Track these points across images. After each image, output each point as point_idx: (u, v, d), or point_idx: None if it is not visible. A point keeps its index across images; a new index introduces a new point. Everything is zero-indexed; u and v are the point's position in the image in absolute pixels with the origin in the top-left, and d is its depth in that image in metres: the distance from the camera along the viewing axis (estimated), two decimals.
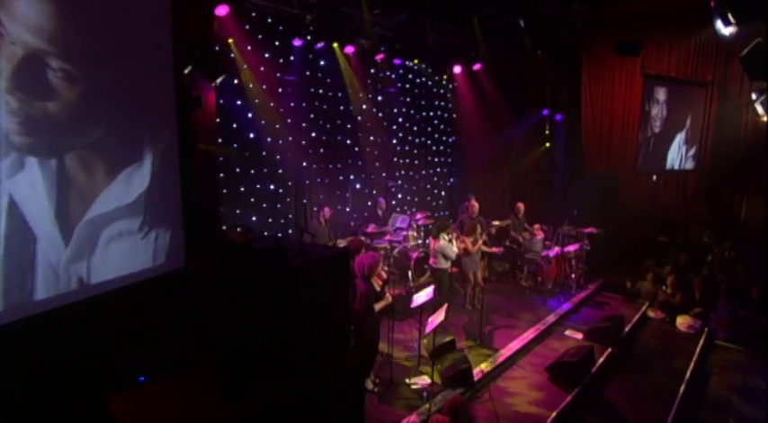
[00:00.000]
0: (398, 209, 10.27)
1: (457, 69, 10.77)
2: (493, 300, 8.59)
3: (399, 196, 10.59)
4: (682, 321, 8.32)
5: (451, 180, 11.83)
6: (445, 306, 5.99)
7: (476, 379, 5.99)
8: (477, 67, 10.56)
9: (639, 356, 7.21)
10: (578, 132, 10.94)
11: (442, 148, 11.53)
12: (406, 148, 10.67)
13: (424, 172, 11.16)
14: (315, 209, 8.21)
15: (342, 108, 9.13)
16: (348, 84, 8.92)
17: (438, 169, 11.54)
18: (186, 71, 4.92)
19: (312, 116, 8.61)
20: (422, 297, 5.93)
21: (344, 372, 4.41)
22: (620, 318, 7.60)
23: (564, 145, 11.07)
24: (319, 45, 8.04)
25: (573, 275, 9.16)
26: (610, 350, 7.07)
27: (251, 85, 7.38)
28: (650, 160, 10.75)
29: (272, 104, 7.73)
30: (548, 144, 11.19)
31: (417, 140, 10.88)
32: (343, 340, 4.61)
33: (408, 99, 10.44)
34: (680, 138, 11.04)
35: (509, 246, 9.51)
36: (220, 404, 3.70)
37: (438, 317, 5.54)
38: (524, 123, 11.04)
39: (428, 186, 11.26)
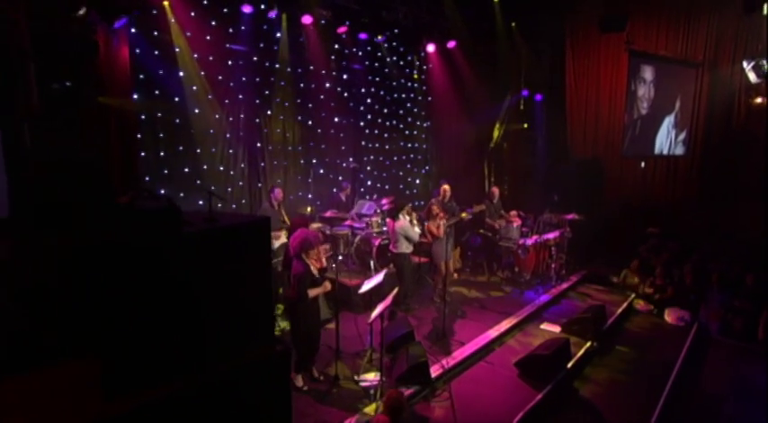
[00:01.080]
0: (368, 197, 9.66)
1: (430, 48, 10.19)
2: (464, 291, 8.00)
3: (369, 183, 9.99)
4: (670, 313, 7.74)
5: (427, 167, 11.23)
6: (394, 291, 5.39)
7: (434, 375, 5.37)
8: (451, 44, 9.98)
9: (623, 351, 6.61)
10: (561, 114, 10.37)
11: (416, 132, 10.95)
12: (376, 131, 10.08)
13: (396, 158, 10.57)
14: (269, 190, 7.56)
15: (302, 85, 8.52)
16: (308, 58, 8.33)
17: (412, 155, 10.95)
18: (81, 12, 4.30)
19: (267, 92, 8.00)
20: (371, 282, 5.32)
21: (263, 364, 3.76)
22: (602, 309, 7.01)
23: (545, 127, 10.48)
24: (272, 13, 7.42)
25: (553, 265, 8.57)
26: (589, 344, 6.46)
27: (195, 56, 6.75)
28: (637, 144, 10.21)
29: (220, 77, 7.12)
30: (525, 125, 10.60)
31: (388, 123, 10.29)
32: (263, 327, 3.96)
33: (377, 78, 9.86)
34: (669, 121, 10.50)
35: (483, 233, 8.91)
36: (99, 400, 3.04)
37: (385, 303, 4.92)
38: (501, 106, 10.45)
39: (401, 173, 10.67)
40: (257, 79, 7.81)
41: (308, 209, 7.72)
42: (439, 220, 7.18)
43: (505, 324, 6.74)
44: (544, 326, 7.00)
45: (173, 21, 6.52)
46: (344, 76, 9.19)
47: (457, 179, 9.89)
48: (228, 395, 3.54)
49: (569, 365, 5.87)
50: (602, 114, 10.32)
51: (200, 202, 6.99)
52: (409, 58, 10.37)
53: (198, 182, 7.14)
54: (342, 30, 8.45)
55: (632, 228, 9.67)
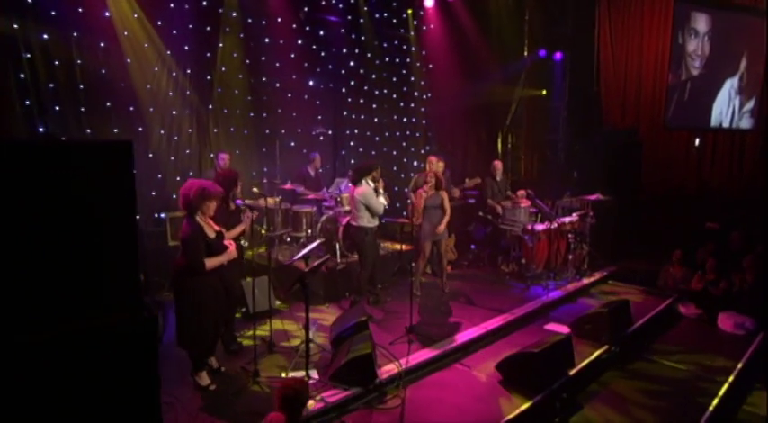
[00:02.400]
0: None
1: (428, 2, 9.52)
2: (456, 285, 7.19)
3: (353, 162, 9.30)
4: (725, 318, 6.66)
5: (427, 147, 10.46)
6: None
7: (386, 376, 4.60)
8: None
9: (654, 363, 5.61)
10: (588, 76, 9.43)
11: (413, 105, 10.22)
12: (361, 100, 9.43)
13: (387, 134, 9.88)
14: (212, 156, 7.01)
15: (266, 40, 7.98)
16: (272, 6, 7.82)
17: (408, 132, 10.23)
18: None
19: (222, 46, 7.48)
20: (302, 252, 4.66)
21: (113, 333, 3.09)
22: (624, 305, 6.04)
23: (567, 94, 9.57)
24: None
25: (570, 257, 7.63)
26: (606, 348, 5.50)
27: None
28: (686, 112, 9.15)
29: (159, 23, 6.68)
30: (543, 92, 9.71)
31: (377, 92, 9.62)
32: (118, 285, 3.30)
33: (363, 37, 9.22)
34: (731, 85, 9.44)
35: (483, 217, 8.05)
36: None
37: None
38: (517, 69, 9.62)
39: (394, 152, 9.97)
40: (208, 29, 7.29)
41: (254, 189, 7.14)
42: (423, 192, 6.48)
43: (495, 322, 5.87)
44: (549, 326, 6.08)
45: None
46: (321, 33, 8.61)
47: (464, 160, 9.11)
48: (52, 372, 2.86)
49: (572, 372, 4.94)
50: (644, 75, 9.28)
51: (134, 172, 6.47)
52: (404, 15, 9.72)
53: (135, 147, 6.61)
54: None
55: (678, 217, 8.57)
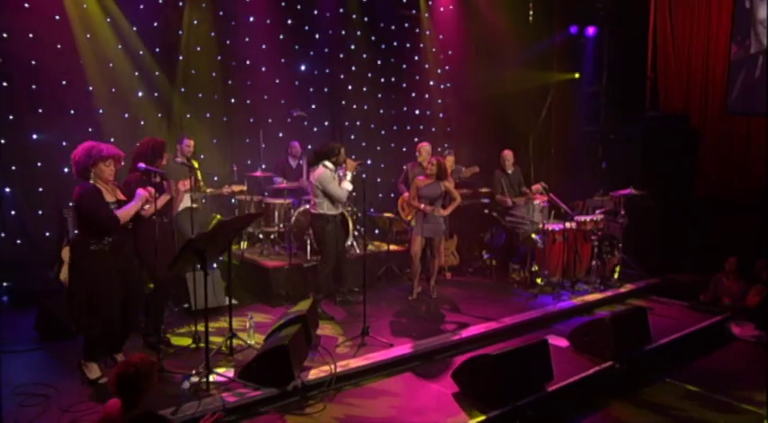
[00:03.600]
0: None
1: None
2: (449, 292, 6.74)
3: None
4: None
5: (446, 145, 10.05)
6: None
7: (313, 378, 4.25)
8: None
9: (678, 389, 4.87)
10: (632, 54, 8.73)
11: (427, 96, 9.91)
12: (364, 88, 9.23)
13: (395, 126, 9.62)
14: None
15: (251, 19, 8.01)
16: None
17: (422, 126, 9.90)
18: None
19: (196, 23, 7.56)
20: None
21: None
22: (637, 315, 5.34)
23: (605, 76, 8.92)
24: None
25: (594, 263, 6.95)
26: (609, 364, 4.85)
27: None
28: (756, 95, 8.20)
29: None
30: (576, 75, 9.10)
31: (383, 80, 9.41)
32: None
33: (366, 17, 9.08)
34: None
35: (489, 213, 7.52)
36: None
37: None
38: (539, 49, 9.12)
39: (404, 149, 9.63)
40: (180, 3, 7.38)
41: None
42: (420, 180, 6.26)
43: (473, 331, 5.34)
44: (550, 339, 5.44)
45: None
46: (315, 12, 8.55)
47: (490, 159, 8.60)
48: None
49: (552, 387, 4.34)
50: (712, 50, 8.39)
51: None
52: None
53: (90, 129, 6.73)
54: None
55: (740, 221, 7.60)
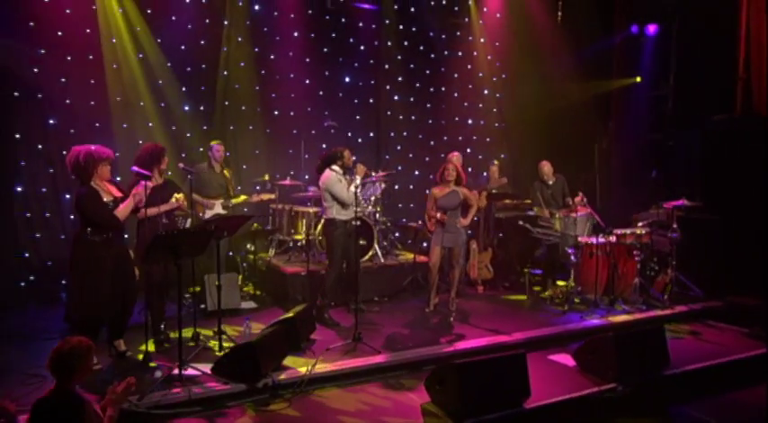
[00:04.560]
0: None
1: None
2: (473, 306, 6.67)
3: (400, 168, 9.22)
4: None
5: (503, 155, 9.91)
6: None
7: (286, 378, 4.44)
8: None
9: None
10: (704, 52, 8.11)
11: (481, 105, 9.84)
12: (411, 99, 9.38)
13: (446, 137, 9.60)
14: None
15: (295, 34, 8.47)
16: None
17: (475, 137, 9.84)
18: None
19: (241, 39, 8.12)
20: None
21: None
22: (651, 334, 4.95)
23: (673, 77, 8.35)
24: None
25: (637, 281, 6.51)
26: (612, 386, 4.55)
27: None
28: None
29: (149, 10, 7.47)
30: (638, 79, 8.58)
31: (432, 89, 9.49)
32: None
33: (414, 28, 9.25)
34: None
35: (523, 225, 7.30)
36: None
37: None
38: (595, 51, 8.75)
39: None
40: (226, 23, 7.96)
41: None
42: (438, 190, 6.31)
43: (475, 343, 5.23)
44: (555, 357, 5.22)
45: None
46: (360, 24, 8.87)
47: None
48: None
49: (530, 405, 4.16)
50: None
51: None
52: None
53: (140, 141, 7.45)
54: None
55: None
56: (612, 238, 6.60)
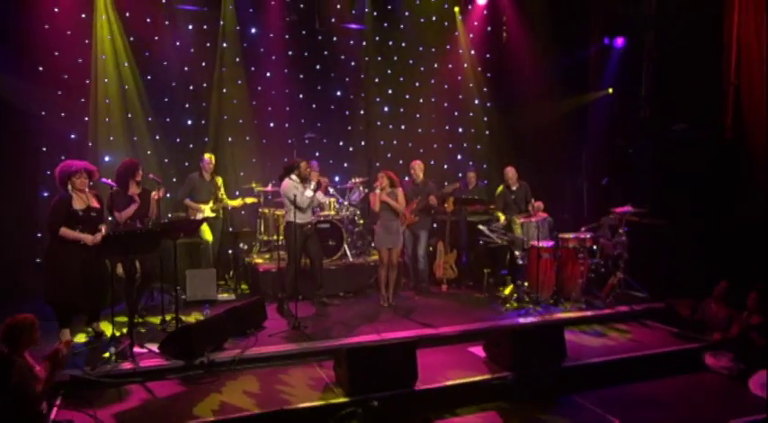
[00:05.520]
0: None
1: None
2: (421, 301, 7.23)
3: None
4: (761, 378, 5.21)
5: (485, 166, 10.28)
6: None
7: (222, 357, 5.16)
8: None
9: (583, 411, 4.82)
10: (675, 63, 8.23)
11: (472, 114, 10.30)
12: (401, 109, 9.99)
13: (436, 145, 10.10)
14: None
15: (290, 53, 9.24)
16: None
17: (465, 144, 10.32)
18: None
19: (238, 59, 8.95)
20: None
21: None
22: (554, 328, 5.35)
23: (645, 88, 8.50)
24: None
25: (580, 281, 6.83)
26: (505, 374, 5.01)
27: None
28: None
29: (156, 38, 8.39)
30: (610, 90, 8.76)
31: (422, 101, 10.04)
32: None
33: (404, 43, 9.83)
34: None
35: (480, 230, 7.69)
36: None
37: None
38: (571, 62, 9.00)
39: (446, 166, 10.13)
40: (225, 45, 8.83)
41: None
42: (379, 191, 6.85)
43: (400, 334, 5.76)
44: (474, 349, 5.67)
45: None
46: (350, 42, 9.52)
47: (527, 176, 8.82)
48: None
49: (419, 387, 4.68)
50: None
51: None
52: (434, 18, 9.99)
53: (149, 152, 8.45)
54: None
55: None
56: (558, 243, 6.94)
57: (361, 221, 8.43)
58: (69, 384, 4.60)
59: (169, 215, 7.74)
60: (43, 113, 7.91)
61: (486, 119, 10.37)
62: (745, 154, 7.53)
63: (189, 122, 8.83)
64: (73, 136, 8.18)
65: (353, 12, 9.45)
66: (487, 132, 10.38)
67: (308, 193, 6.52)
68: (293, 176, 6.62)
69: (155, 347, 5.23)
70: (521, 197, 7.85)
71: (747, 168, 7.48)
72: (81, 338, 5.60)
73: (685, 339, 6.10)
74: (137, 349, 5.16)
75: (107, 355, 5.03)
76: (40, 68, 7.84)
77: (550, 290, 7.05)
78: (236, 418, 4.27)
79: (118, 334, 5.42)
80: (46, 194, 8.06)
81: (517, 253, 7.09)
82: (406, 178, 8.11)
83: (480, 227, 7.60)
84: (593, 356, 5.53)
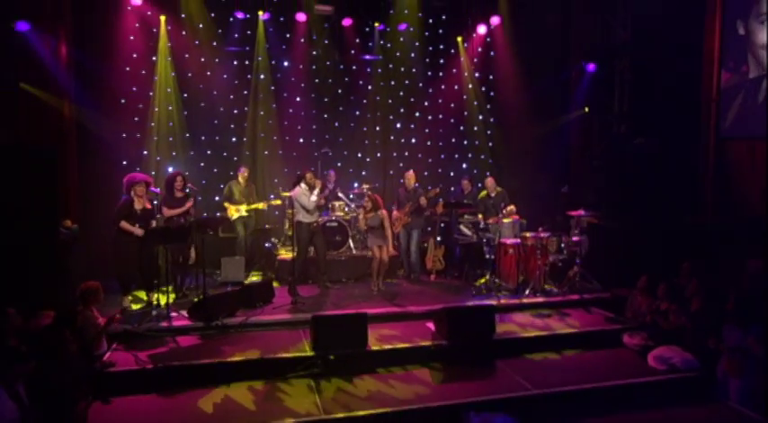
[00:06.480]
0: None
1: (482, 28, 10.79)
2: (413, 288, 8.48)
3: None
4: (658, 351, 6.11)
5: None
6: None
7: (231, 321, 6.62)
8: (495, 21, 10.35)
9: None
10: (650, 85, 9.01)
11: (476, 128, 11.36)
12: (412, 126, 11.21)
13: (443, 155, 11.25)
14: None
15: (316, 80, 10.70)
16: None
17: (470, 155, 11.40)
18: None
19: (273, 88, 10.52)
20: None
21: None
22: (484, 310, 6.46)
23: (619, 108, 9.30)
24: (265, 16, 10.07)
25: (537, 272, 7.84)
26: (443, 343, 6.19)
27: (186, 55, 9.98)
28: (757, 118, 7.87)
29: (208, 73, 10.09)
30: (586, 109, 9.58)
31: (431, 118, 11.25)
32: None
33: (414, 69, 11.05)
34: None
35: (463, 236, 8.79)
36: None
37: None
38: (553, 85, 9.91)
39: (452, 173, 11.23)
40: (261, 76, 10.43)
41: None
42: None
43: (374, 310, 7.01)
44: (428, 324, 6.86)
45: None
46: (367, 70, 10.87)
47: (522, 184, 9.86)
48: None
49: (369, 349, 5.96)
50: None
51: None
52: (466, 44, 11.10)
53: (202, 164, 10.18)
54: (347, 22, 10.32)
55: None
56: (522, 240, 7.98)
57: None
58: (123, 335, 6.25)
59: (204, 214, 9.39)
60: (124, 135, 9.78)
61: (489, 132, 11.41)
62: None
63: (233, 140, 10.49)
64: (145, 152, 10.02)
65: (369, 44, 10.81)
66: (490, 144, 11.42)
67: (314, 197, 7.93)
68: (302, 185, 8.05)
69: (184, 313, 6.81)
70: (498, 202, 8.89)
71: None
72: (135, 304, 7.28)
73: (614, 323, 7.00)
74: (172, 313, 6.76)
75: (151, 315, 6.69)
76: (123, 101, 9.72)
77: (515, 280, 8.07)
78: (232, 362, 5.76)
79: (163, 302, 7.08)
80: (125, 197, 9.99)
81: (485, 249, 8.15)
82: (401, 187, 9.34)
83: (461, 226, 8.75)
84: (527, 334, 6.60)
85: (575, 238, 7.94)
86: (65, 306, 5.62)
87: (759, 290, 5.79)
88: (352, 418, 4.99)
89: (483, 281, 8.53)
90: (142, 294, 7.45)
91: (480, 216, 8.87)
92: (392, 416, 5.06)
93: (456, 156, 11.48)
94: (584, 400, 5.56)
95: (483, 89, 11.33)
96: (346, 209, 9.51)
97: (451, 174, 11.37)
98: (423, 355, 6.17)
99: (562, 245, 8.17)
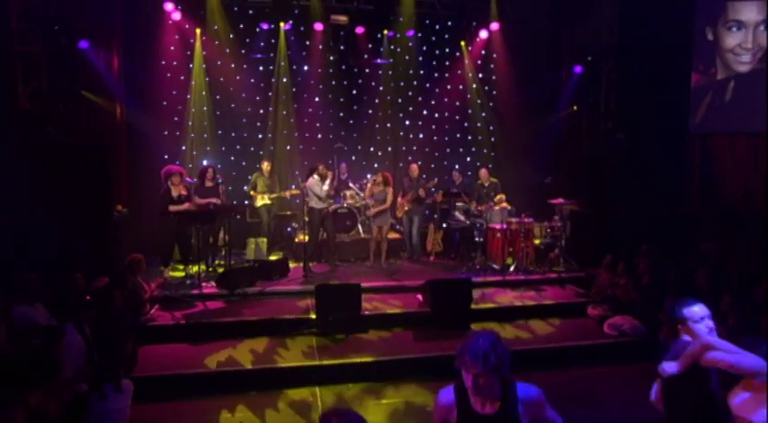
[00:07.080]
0: None
1: (483, 33, 11.56)
2: (413, 267, 9.44)
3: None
4: (614, 321, 6.94)
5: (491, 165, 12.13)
6: None
7: (249, 290, 7.76)
8: (494, 27, 11.13)
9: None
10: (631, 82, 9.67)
11: (479, 124, 12.18)
12: (419, 123, 12.11)
13: (449, 149, 12.13)
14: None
15: (333, 82, 11.71)
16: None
17: (474, 149, 12.24)
18: None
19: (295, 90, 11.60)
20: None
21: None
22: (466, 283, 7.32)
23: (606, 107, 10.00)
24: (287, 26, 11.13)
25: (521, 254, 8.69)
26: (427, 310, 7.13)
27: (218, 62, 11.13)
28: (723, 116, 8.50)
29: (238, 78, 11.22)
30: (575, 107, 10.29)
31: (438, 116, 12.11)
32: None
33: (422, 71, 11.93)
34: None
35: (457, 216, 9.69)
36: None
37: None
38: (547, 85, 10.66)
39: (457, 166, 12.03)
40: (284, 79, 11.51)
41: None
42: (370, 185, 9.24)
43: (372, 284, 8.04)
44: (418, 296, 7.80)
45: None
46: (379, 72, 11.82)
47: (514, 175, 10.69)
48: None
49: (363, 313, 6.97)
50: None
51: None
52: (469, 47, 11.92)
53: (232, 158, 11.35)
54: (360, 30, 11.28)
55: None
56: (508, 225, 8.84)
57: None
58: (163, 299, 7.45)
59: (235, 202, 10.52)
60: (165, 133, 11.03)
61: (491, 128, 12.22)
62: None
63: (259, 136, 11.63)
64: (183, 147, 11.27)
65: (380, 50, 11.76)
66: (492, 139, 12.23)
67: (325, 187, 8.98)
68: (315, 176, 9.10)
69: (213, 282, 7.97)
70: (490, 191, 9.75)
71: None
72: (175, 273, 8.52)
73: (582, 297, 7.82)
74: (203, 283, 7.93)
75: (186, 284, 7.88)
76: (164, 103, 10.98)
77: (502, 261, 8.93)
78: (249, 321, 6.88)
79: (195, 272, 8.25)
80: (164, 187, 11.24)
81: (475, 232, 9.03)
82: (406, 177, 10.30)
83: (455, 213, 9.66)
84: (502, 304, 7.50)
85: (556, 224, 8.75)
86: (115, 273, 6.84)
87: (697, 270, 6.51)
88: (341, 364, 6.05)
89: (474, 261, 9.45)
90: (179, 267, 8.69)
91: (474, 204, 9.75)
92: (374, 364, 6.10)
93: (460, 150, 12.33)
94: (541, 358, 6.43)
95: (486, 88, 12.15)
96: (356, 197, 10.53)
97: (456, 166, 12.23)
98: (408, 320, 7.16)
99: (548, 230, 9.00)
